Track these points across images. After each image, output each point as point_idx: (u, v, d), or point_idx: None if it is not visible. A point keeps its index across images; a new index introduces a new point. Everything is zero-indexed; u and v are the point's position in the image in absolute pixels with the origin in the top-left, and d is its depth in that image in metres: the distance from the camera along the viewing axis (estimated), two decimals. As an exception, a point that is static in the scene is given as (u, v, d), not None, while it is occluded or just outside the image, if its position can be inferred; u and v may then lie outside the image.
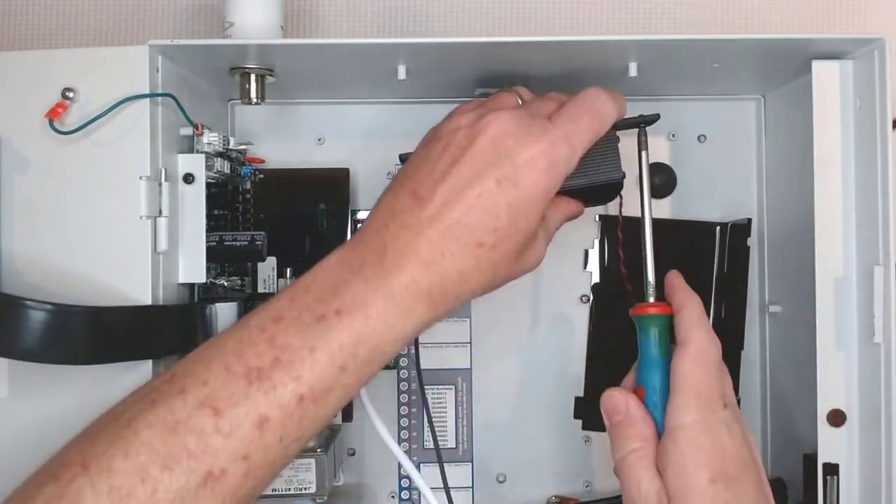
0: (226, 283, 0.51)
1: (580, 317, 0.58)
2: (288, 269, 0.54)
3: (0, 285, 0.43)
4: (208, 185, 0.48)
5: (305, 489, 0.47)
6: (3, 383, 0.43)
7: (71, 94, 0.43)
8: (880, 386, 0.44)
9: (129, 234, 0.44)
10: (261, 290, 0.54)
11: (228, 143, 0.51)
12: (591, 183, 0.45)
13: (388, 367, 0.57)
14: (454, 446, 0.58)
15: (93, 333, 0.40)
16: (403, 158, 0.47)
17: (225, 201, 0.54)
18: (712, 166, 0.58)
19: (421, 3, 0.60)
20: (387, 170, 0.57)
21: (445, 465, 0.51)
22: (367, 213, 0.43)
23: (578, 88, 0.44)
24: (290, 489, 0.47)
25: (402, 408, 0.57)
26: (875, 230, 0.45)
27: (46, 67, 0.44)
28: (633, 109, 0.46)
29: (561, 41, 0.45)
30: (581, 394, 0.58)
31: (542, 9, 0.61)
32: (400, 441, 0.58)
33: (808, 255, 0.47)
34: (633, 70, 0.48)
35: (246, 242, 0.50)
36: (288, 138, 0.58)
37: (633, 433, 0.43)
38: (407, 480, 0.58)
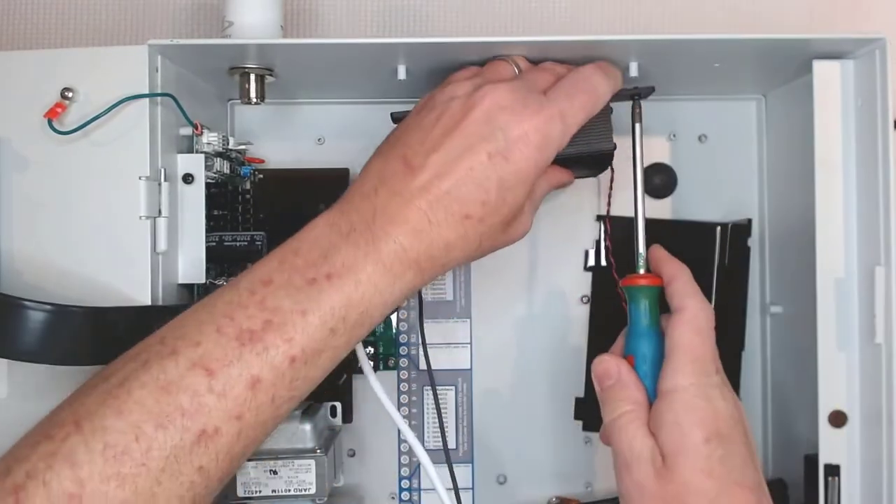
0: (226, 284, 0.51)
1: (580, 317, 0.58)
2: (288, 270, 0.54)
3: (0, 285, 0.43)
4: (208, 186, 0.48)
5: (305, 490, 0.47)
6: (2, 383, 0.43)
7: (70, 94, 0.43)
8: (881, 386, 0.44)
9: (128, 234, 0.44)
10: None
11: (228, 143, 0.51)
12: (582, 152, 0.45)
13: (388, 368, 0.57)
14: (454, 447, 0.58)
15: (92, 334, 0.40)
16: (397, 118, 0.48)
17: (225, 201, 0.54)
18: (712, 166, 0.58)
19: (421, 2, 0.60)
20: (387, 170, 0.57)
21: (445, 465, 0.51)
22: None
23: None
24: (290, 490, 0.47)
25: (402, 408, 0.57)
26: (876, 230, 0.45)
27: (46, 67, 0.44)
28: (634, 109, 0.47)
29: (561, 41, 0.44)
30: (581, 394, 0.58)
31: (542, 9, 0.60)
32: (400, 441, 0.57)
33: (809, 255, 0.47)
34: (633, 70, 0.48)
35: (246, 242, 0.50)
36: (288, 138, 0.58)
37: (625, 396, 0.43)
38: (407, 481, 0.58)
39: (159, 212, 0.45)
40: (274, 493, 0.47)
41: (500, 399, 0.58)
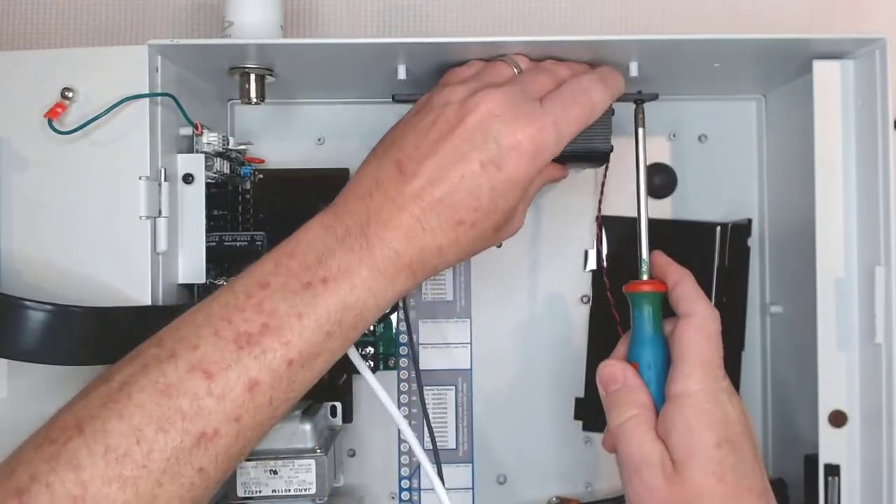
0: (225, 284, 0.51)
1: (580, 317, 0.58)
2: (288, 270, 0.54)
3: (0, 285, 0.43)
4: (208, 186, 0.48)
5: (305, 490, 0.47)
6: (2, 383, 0.43)
7: (70, 94, 0.43)
8: (881, 386, 0.44)
9: (128, 234, 0.44)
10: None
11: (228, 143, 0.51)
12: (579, 151, 0.45)
13: (388, 368, 0.57)
14: (454, 447, 0.58)
15: (93, 334, 0.40)
16: (399, 99, 0.48)
17: (225, 201, 0.54)
18: (712, 166, 0.58)
19: (421, 2, 0.60)
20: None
21: (446, 465, 0.51)
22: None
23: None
24: (290, 490, 0.47)
25: (402, 408, 0.57)
26: (876, 230, 0.45)
27: (46, 67, 0.44)
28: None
29: (561, 41, 0.44)
30: (581, 394, 0.58)
31: (542, 9, 0.60)
32: (400, 441, 0.57)
33: (809, 255, 0.47)
34: (633, 70, 0.48)
35: (246, 242, 0.50)
36: (288, 138, 0.58)
37: (632, 400, 0.43)
38: (407, 481, 0.58)
39: (159, 212, 0.45)
40: (274, 493, 0.47)
41: (500, 399, 0.58)
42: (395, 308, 0.57)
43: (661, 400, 0.43)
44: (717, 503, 0.40)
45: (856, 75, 0.46)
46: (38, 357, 0.39)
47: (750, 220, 0.57)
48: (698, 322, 0.43)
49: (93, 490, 0.34)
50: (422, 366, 0.57)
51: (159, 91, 0.45)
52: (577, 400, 0.58)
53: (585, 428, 0.58)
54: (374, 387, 0.46)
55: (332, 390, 0.55)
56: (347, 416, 0.55)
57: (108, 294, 0.43)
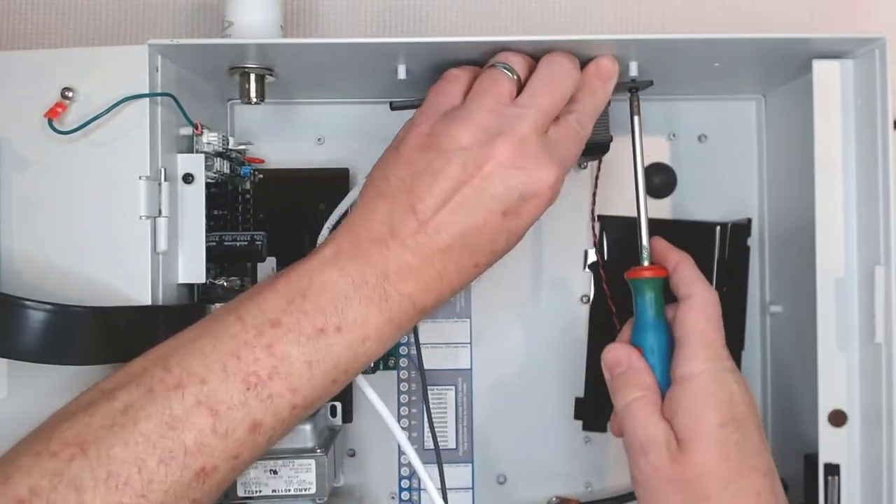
0: (226, 284, 0.51)
1: (580, 317, 0.58)
2: (288, 270, 0.54)
3: (0, 285, 0.43)
4: (208, 185, 0.48)
5: (305, 490, 0.47)
6: (2, 383, 0.43)
7: (70, 94, 0.43)
8: (881, 386, 0.44)
9: (128, 234, 0.44)
10: (260, 290, 0.54)
11: (228, 143, 0.50)
12: None
13: (388, 368, 0.57)
14: (454, 447, 0.58)
15: (93, 334, 0.40)
16: (396, 106, 0.48)
17: (225, 201, 0.54)
18: (712, 166, 0.58)
19: (421, 2, 0.60)
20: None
21: (446, 465, 0.51)
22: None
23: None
24: (290, 490, 0.47)
25: (402, 408, 0.57)
26: (876, 230, 0.45)
27: (46, 67, 0.44)
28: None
29: (561, 41, 0.44)
30: (581, 394, 0.58)
31: (542, 8, 0.60)
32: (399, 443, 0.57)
33: (809, 254, 0.47)
34: (633, 70, 0.48)
35: (246, 242, 0.50)
36: (288, 138, 0.58)
37: (637, 382, 0.44)
38: (407, 481, 0.58)
39: (159, 211, 0.45)
40: (274, 493, 0.47)
41: (500, 399, 0.58)
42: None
43: (665, 383, 0.44)
44: (722, 482, 0.40)
45: (855, 75, 0.46)
46: (39, 357, 0.39)
47: (750, 220, 0.57)
48: (699, 304, 0.44)
49: None
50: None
51: (159, 91, 0.45)
52: (577, 400, 0.58)
53: (585, 428, 0.58)
54: (367, 392, 0.46)
55: (332, 390, 0.55)
56: (347, 416, 0.55)
57: (108, 294, 0.43)
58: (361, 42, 0.46)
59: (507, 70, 0.43)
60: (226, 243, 0.50)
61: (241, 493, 0.47)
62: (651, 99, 0.56)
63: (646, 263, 0.47)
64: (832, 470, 0.46)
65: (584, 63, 0.45)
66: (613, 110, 0.47)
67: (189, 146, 0.49)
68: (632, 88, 0.47)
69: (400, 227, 0.40)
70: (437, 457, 0.51)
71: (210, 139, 0.48)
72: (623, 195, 0.57)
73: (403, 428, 0.57)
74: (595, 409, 0.57)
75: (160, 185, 0.45)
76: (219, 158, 0.50)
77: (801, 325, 0.51)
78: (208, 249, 0.48)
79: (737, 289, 0.57)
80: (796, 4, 0.60)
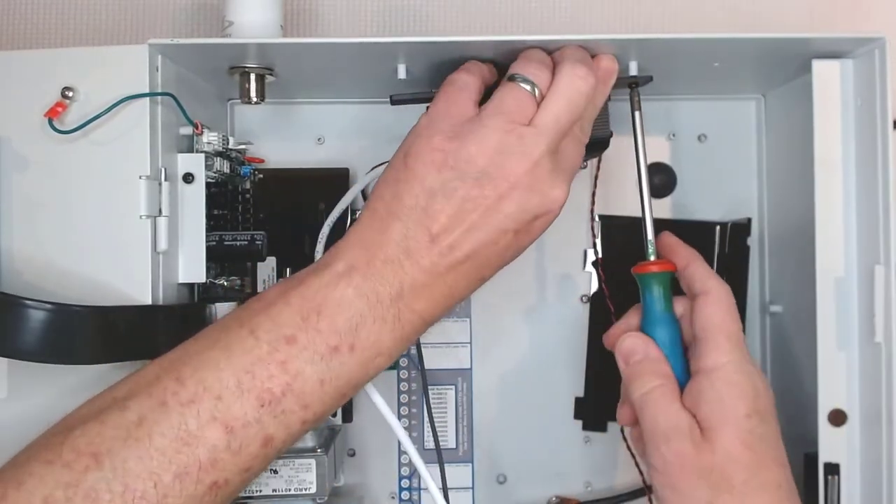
0: (226, 283, 0.51)
1: (580, 317, 0.58)
2: (288, 270, 0.54)
3: (0, 285, 0.43)
4: (208, 185, 0.48)
5: (306, 489, 0.47)
6: (2, 383, 0.43)
7: (70, 94, 0.43)
8: (881, 385, 0.44)
9: (129, 233, 0.44)
10: (260, 289, 0.54)
11: (228, 143, 0.50)
12: None
13: (388, 368, 0.57)
14: (454, 447, 0.58)
15: (93, 333, 0.40)
16: (397, 100, 0.47)
17: (225, 201, 0.54)
18: (712, 166, 0.58)
19: (421, 2, 0.60)
20: (387, 170, 0.57)
21: (446, 465, 0.51)
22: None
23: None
24: (290, 489, 0.47)
25: (402, 408, 0.57)
26: (875, 229, 0.45)
27: (46, 67, 0.44)
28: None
29: (561, 40, 0.44)
30: (581, 394, 0.58)
31: (542, 8, 0.61)
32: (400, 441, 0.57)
33: (809, 254, 0.47)
34: (633, 69, 0.48)
35: (246, 242, 0.50)
36: (288, 138, 0.58)
37: (655, 370, 0.44)
38: (407, 481, 0.58)
39: (160, 211, 0.45)
40: (274, 493, 0.47)
41: (500, 399, 0.58)
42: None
43: (678, 376, 0.44)
44: (748, 471, 0.40)
45: (855, 75, 0.46)
46: (39, 356, 0.39)
47: (749, 220, 0.57)
48: (716, 297, 0.44)
49: None
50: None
51: (159, 91, 0.45)
52: (577, 400, 0.58)
53: (585, 428, 0.58)
54: (371, 393, 0.46)
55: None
56: (347, 416, 0.55)
57: (109, 293, 0.43)
58: (361, 42, 0.46)
59: (528, 85, 0.41)
60: (226, 243, 0.50)
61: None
62: (651, 99, 0.56)
63: (652, 258, 0.47)
64: (832, 469, 0.46)
65: None
66: (613, 109, 0.47)
67: (189, 146, 0.49)
68: (632, 84, 0.47)
69: (415, 248, 0.40)
70: (439, 456, 0.51)
71: (210, 139, 0.48)
72: (623, 195, 0.57)
73: (404, 428, 0.57)
74: (595, 409, 0.57)
75: (160, 184, 0.45)
76: (219, 158, 0.50)
77: (801, 324, 0.51)
78: (208, 249, 0.48)
79: (737, 288, 0.57)
80: (796, 4, 0.60)
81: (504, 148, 0.40)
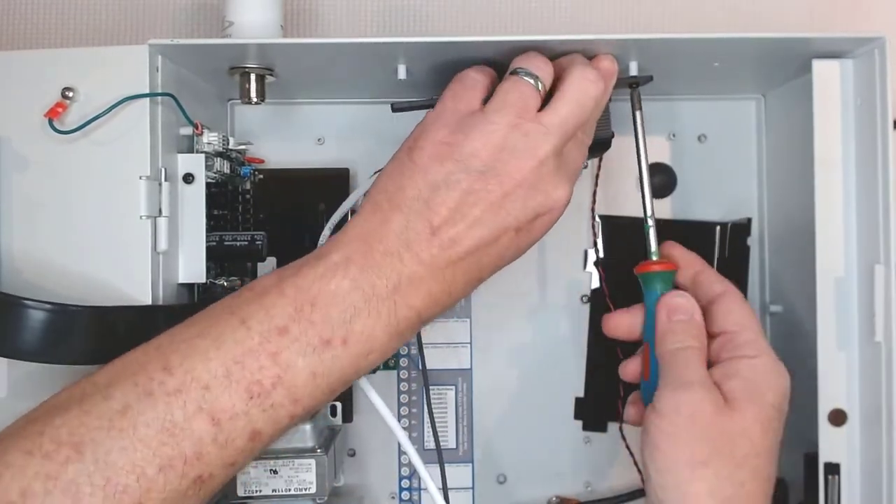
0: (226, 283, 0.51)
1: (580, 317, 0.58)
2: (288, 270, 0.54)
3: (0, 285, 0.43)
4: (208, 185, 0.48)
5: (306, 490, 0.47)
6: (2, 383, 0.43)
7: (70, 94, 0.43)
8: (881, 385, 0.44)
9: (129, 233, 0.44)
10: (261, 290, 0.54)
11: (228, 143, 0.51)
12: None
13: (388, 368, 0.57)
14: (454, 447, 0.58)
15: (93, 333, 0.40)
16: (398, 107, 0.47)
17: (225, 201, 0.54)
18: (712, 166, 0.58)
19: (421, 2, 0.60)
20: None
21: (446, 465, 0.51)
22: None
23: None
24: (290, 490, 0.47)
25: (402, 408, 0.57)
26: (875, 229, 0.45)
27: (46, 67, 0.44)
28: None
29: (561, 40, 0.44)
30: (581, 394, 0.58)
31: (542, 8, 0.61)
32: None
33: (809, 254, 0.47)
34: (633, 70, 0.48)
35: (246, 242, 0.50)
36: (288, 138, 0.58)
37: (696, 334, 0.45)
38: (407, 481, 0.58)
39: (160, 211, 0.45)
40: (274, 493, 0.47)
41: (500, 399, 0.58)
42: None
43: None
44: (752, 447, 0.41)
45: (855, 75, 0.46)
46: (38, 356, 0.39)
47: (749, 220, 0.57)
48: (739, 298, 0.46)
49: None
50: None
51: (159, 91, 0.45)
52: (577, 400, 0.58)
53: (585, 428, 0.58)
54: (370, 394, 0.46)
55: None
56: (347, 416, 0.55)
57: (109, 293, 0.43)
58: (361, 42, 0.46)
59: (532, 79, 0.41)
60: (226, 243, 0.50)
61: (241, 492, 0.47)
62: (651, 99, 0.56)
63: (654, 258, 0.47)
64: (832, 469, 0.46)
65: None
66: (613, 109, 0.47)
67: (189, 146, 0.49)
68: (632, 84, 0.47)
69: (415, 241, 0.39)
70: (439, 456, 0.51)
71: (210, 139, 0.48)
72: (624, 195, 0.57)
73: (404, 428, 0.57)
74: (595, 409, 0.57)
75: (160, 184, 0.45)
76: (219, 158, 0.50)
77: (800, 324, 0.51)
78: (208, 249, 0.48)
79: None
80: (796, 4, 0.60)
81: (509, 144, 0.40)
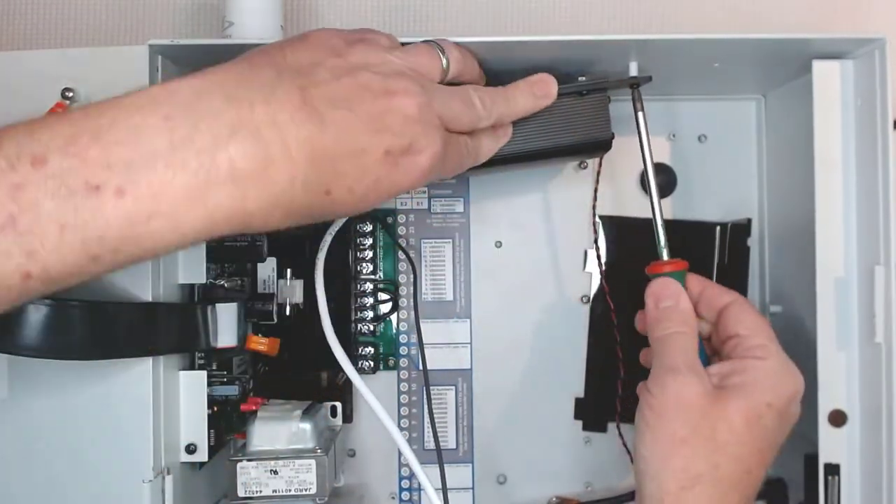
0: (226, 284, 0.51)
1: (580, 317, 0.58)
2: (288, 270, 0.54)
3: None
4: (208, 185, 0.48)
5: (306, 490, 0.47)
6: (3, 383, 0.43)
7: (70, 94, 0.43)
8: (881, 386, 0.44)
9: (128, 233, 0.43)
10: (260, 290, 0.54)
11: (228, 143, 0.50)
12: (581, 142, 0.46)
13: (388, 368, 0.57)
14: (454, 447, 0.58)
15: (93, 328, 0.40)
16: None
17: (225, 201, 0.54)
18: (712, 166, 0.58)
19: (421, 2, 0.60)
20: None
21: (446, 465, 0.51)
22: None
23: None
24: (290, 490, 0.47)
25: (402, 408, 0.57)
26: (875, 230, 0.45)
27: (46, 67, 0.44)
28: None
29: (561, 41, 0.44)
30: (581, 394, 0.58)
31: (542, 8, 0.61)
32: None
33: (809, 254, 0.47)
34: (633, 70, 0.48)
35: (246, 243, 0.50)
36: (288, 138, 0.58)
37: (684, 320, 0.45)
38: (407, 481, 0.58)
39: (159, 211, 0.45)
40: (274, 493, 0.47)
41: (500, 399, 0.58)
42: (395, 308, 0.57)
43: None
44: (734, 434, 0.41)
45: (855, 75, 0.46)
46: (38, 352, 0.39)
47: (749, 220, 0.57)
48: (747, 304, 0.46)
49: None
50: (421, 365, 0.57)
51: (159, 91, 0.45)
52: (577, 400, 0.58)
53: (585, 428, 0.58)
54: (366, 395, 0.46)
55: (331, 390, 0.55)
56: (347, 416, 0.55)
57: (109, 294, 0.43)
58: (361, 42, 0.45)
59: (439, 52, 0.41)
60: (226, 243, 0.50)
61: (241, 493, 0.47)
62: (651, 99, 0.56)
63: (665, 258, 0.47)
64: (832, 470, 0.46)
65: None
66: (613, 109, 0.47)
67: (189, 146, 0.48)
68: (632, 84, 0.47)
69: (278, 101, 0.32)
70: (439, 457, 0.51)
71: (210, 139, 0.48)
72: (624, 195, 0.57)
73: (404, 428, 0.57)
74: (595, 409, 0.57)
75: (160, 185, 0.45)
76: (219, 158, 0.50)
77: (800, 325, 0.51)
78: (208, 250, 0.48)
79: (737, 289, 0.57)
80: (796, 4, 0.60)
81: (412, 80, 0.37)
